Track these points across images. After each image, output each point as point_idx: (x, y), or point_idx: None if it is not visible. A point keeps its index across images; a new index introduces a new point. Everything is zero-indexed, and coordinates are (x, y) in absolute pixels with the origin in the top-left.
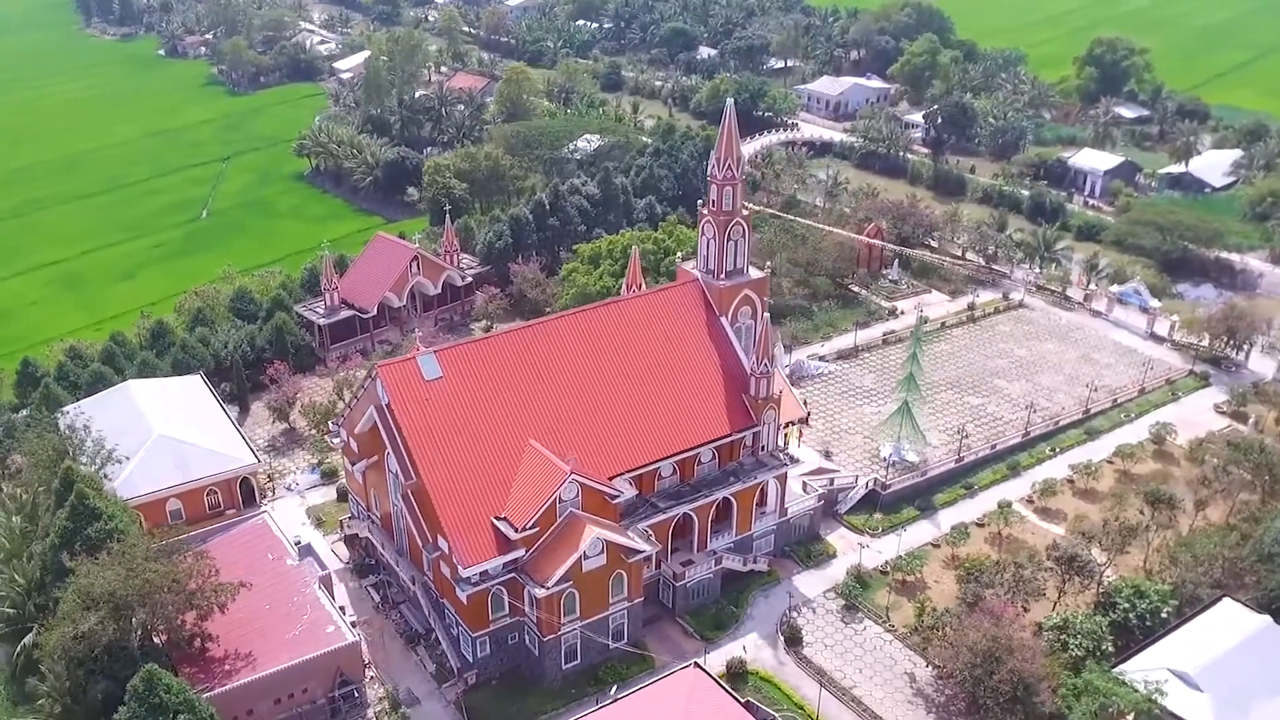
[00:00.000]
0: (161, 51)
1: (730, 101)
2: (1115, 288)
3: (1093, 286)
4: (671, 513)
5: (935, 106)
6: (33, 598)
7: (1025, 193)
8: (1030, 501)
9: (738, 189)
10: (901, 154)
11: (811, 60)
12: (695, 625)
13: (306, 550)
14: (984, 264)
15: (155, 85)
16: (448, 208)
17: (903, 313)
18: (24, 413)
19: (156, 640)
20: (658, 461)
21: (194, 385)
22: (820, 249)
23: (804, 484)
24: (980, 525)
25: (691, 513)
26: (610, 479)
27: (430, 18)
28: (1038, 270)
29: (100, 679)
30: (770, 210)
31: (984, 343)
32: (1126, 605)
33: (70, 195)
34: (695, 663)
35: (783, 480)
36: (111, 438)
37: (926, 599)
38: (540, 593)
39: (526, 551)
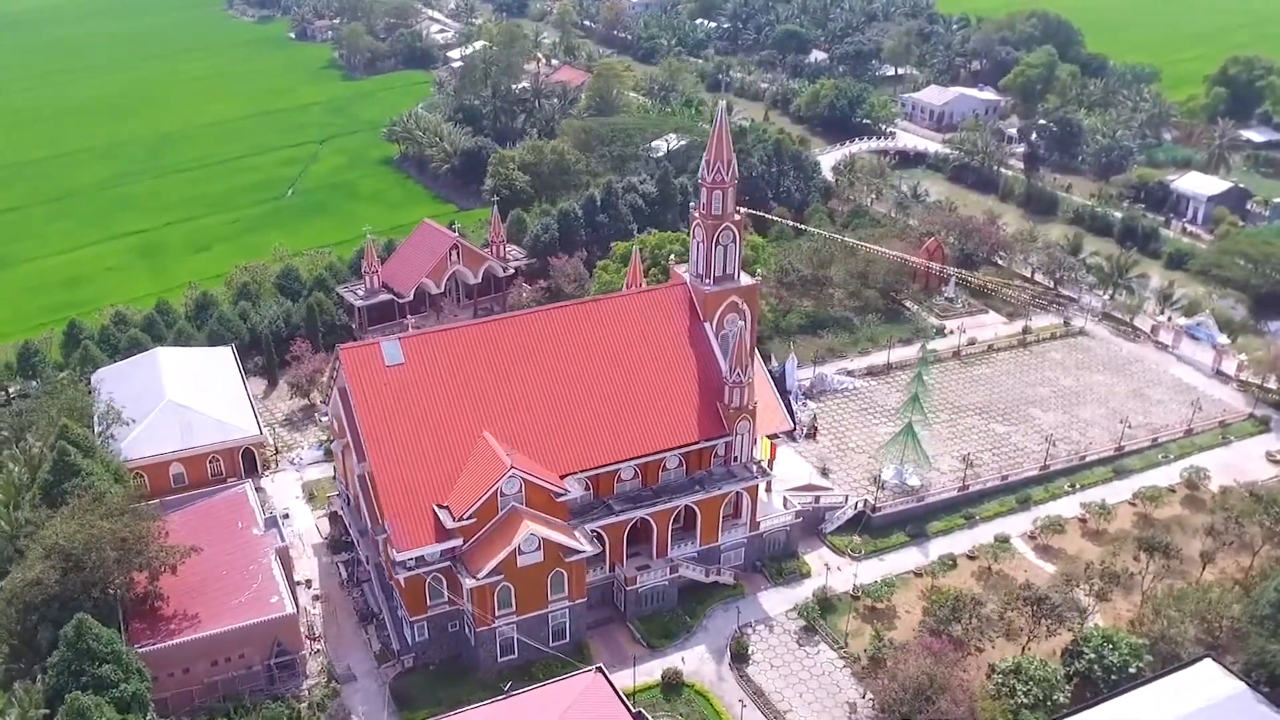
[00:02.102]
0: (291, 34)
1: (722, 105)
2: (1182, 320)
3: (1162, 317)
4: (626, 516)
5: (1038, 121)
6: (14, 544)
7: (1118, 215)
8: (1032, 538)
9: (728, 194)
10: (996, 168)
11: (927, 68)
12: (644, 632)
13: (272, 522)
14: (1050, 287)
15: (275, 67)
16: (495, 199)
17: (951, 332)
18: (65, 373)
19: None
20: (616, 464)
21: (223, 357)
22: (872, 261)
23: (785, 499)
24: (971, 558)
25: (650, 518)
26: (563, 477)
27: (553, 10)
28: (1108, 297)
29: (48, 626)
30: (780, 219)
31: (1029, 369)
32: (1092, 656)
33: (165, 169)
34: (598, 667)
35: (753, 493)
36: (128, 400)
37: (884, 627)
38: (470, 583)
39: (465, 542)
